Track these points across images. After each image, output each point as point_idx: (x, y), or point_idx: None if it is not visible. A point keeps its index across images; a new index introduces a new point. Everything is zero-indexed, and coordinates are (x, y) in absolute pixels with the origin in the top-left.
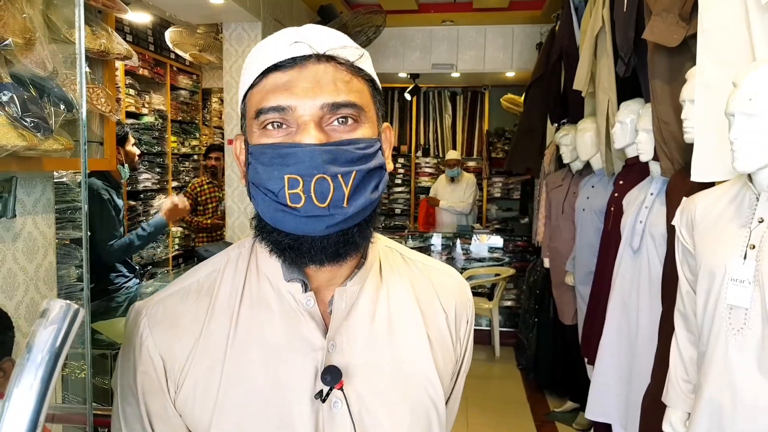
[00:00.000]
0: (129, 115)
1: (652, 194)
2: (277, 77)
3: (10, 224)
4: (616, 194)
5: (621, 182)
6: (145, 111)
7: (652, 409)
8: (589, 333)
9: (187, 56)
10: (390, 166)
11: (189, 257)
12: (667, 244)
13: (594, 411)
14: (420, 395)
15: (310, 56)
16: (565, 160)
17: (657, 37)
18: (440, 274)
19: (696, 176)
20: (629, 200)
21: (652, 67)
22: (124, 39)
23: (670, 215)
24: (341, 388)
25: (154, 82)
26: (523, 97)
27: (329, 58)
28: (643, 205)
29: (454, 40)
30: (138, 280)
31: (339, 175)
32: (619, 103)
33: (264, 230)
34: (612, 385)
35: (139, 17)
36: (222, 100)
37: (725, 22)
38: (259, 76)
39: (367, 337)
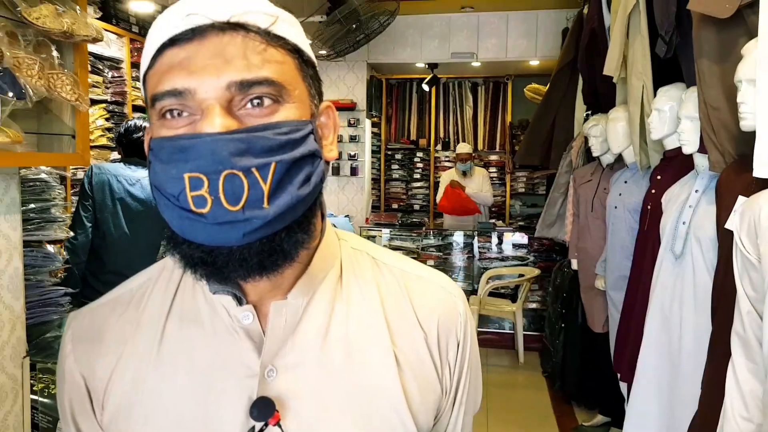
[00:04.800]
0: (136, 108)
1: (697, 191)
2: (173, 54)
3: None
4: (653, 191)
5: (659, 177)
6: None
7: None
8: (622, 346)
9: None
10: (333, 155)
11: None
12: (718, 250)
13: None
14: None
15: (212, 25)
16: (595, 153)
17: (705, 7)
18: (421, 282)
19: (759, 171)
20: (669, 198)
21: (698, 44)
22: (129, 30)
23: (721, 216)
24: (277, 424)
25: None
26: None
27: (236, 26)
28: (687, 203)
29: (474, 28)
30: None
31: (253, 169)
32: (655, 89)
33: (174, 240)
34: (652, 410)
35: (143, 6)
36: None
37: None
38: (155, 54)
39: (318, 359)
